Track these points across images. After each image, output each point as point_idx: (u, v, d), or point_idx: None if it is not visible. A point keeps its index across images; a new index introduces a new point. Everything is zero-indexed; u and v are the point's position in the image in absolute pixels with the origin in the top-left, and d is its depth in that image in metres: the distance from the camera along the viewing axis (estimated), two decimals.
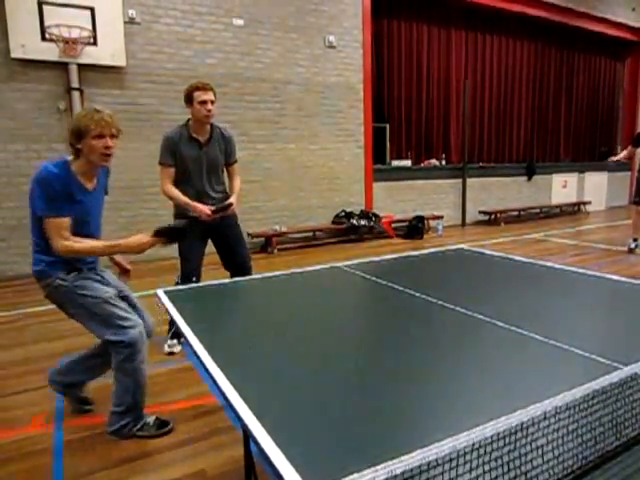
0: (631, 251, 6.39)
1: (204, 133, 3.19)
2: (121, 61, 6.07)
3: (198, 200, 3.16)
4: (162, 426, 2.35)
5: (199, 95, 3.05)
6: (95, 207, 2.33)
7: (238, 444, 2.12)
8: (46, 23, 5.52)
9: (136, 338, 2.24)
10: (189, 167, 3.18)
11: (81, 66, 5.85)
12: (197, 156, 3.18)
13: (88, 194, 2.25)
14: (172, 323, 3.22)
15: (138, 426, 2.31)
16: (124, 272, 2.61)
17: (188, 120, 3.19)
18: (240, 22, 6.97)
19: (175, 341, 3.38)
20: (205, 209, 3.11)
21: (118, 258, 2.59)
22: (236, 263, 3.35)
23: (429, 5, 9.19)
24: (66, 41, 5.60)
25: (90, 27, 5.77)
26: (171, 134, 3.15)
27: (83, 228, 2.24)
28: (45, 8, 5.52)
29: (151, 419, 2.36)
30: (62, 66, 5.78)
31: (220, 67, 6.88)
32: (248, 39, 7.07)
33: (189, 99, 3.09)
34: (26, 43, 5.49)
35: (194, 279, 3.10)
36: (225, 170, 3.39)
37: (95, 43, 5.85)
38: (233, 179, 3.41)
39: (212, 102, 3.08)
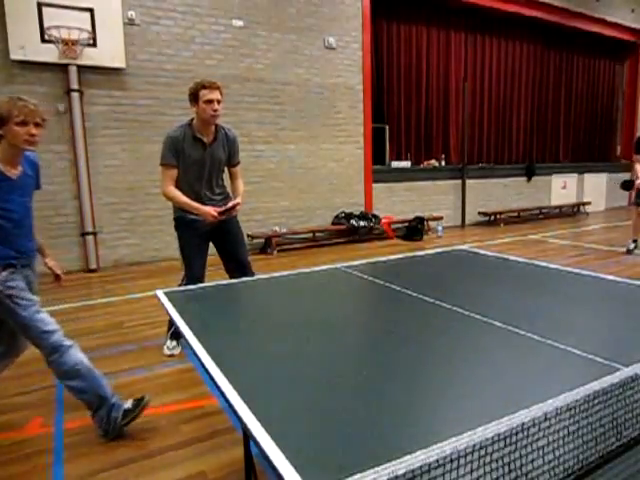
0: (630, 252, 6.40)
1: (209, 133, 3.07)
2: (121, 62, 6.07)
3: (197, 202, 3.07)
4: (139, 403, 2.36)
5: (205, 94, 2.91)
6: (19, 195, 2.25)
7: (238, 446, 2.12)
8: (45, 25, 5.52)
9: (58, 342, 2.24)
10: (191, 168, 3.06)
11: (81, 67, 5.85)
12: (201, 157, 3.06)
13: (9, 181, 2.19)
14: (172, 324, 3.15)
15: (120, 416, 2.31)
16: (56, 279, 2.59)
17: (192, 120, 3.07)
18: (240, 23, 6.98)
19: (175, 342, 3.36)
20: (211, 211, 3.00)
21: (51, 263, 2.54)
22: (237, 263, 3.25)
23: (428, 7, 9.20)
24: (66, 42, 5.60)
25: (90, 28, 5.77)
26: (174, 133, 3.02)
27: (5, 216, 2.18)
28: (44, 10, 5.52)
29: (129, 403, 2.36)
30: (62, 68, 5.78)
31: (220, 68, 6.88)
32: (248, 40, 7.07)
33: (194, 98, 2.96)
34: (25, 45, 5.49)
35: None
36: (228, 172, 3.30)
37: (95, 44, 5.85)
38: (236, 181, 3.32)
39: (219, 101, 2.95)
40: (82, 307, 4.59)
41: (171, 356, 3.30)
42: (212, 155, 3.10)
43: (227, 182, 3.36)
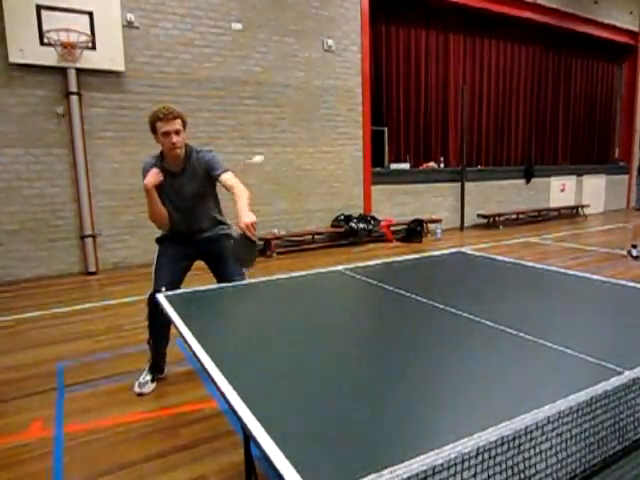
0: (637, 259, 6.36)
1: (177, 163, 2.79)
2: (120, 65, 6.08)
3: (187, 236, 2.89)
4: None
5: (161, 126, 2.64)
6: None
7: (239, 449, 2.11)
8: (44, 28, 5.53)
9: None
10: (167, 200, 2.84)
11: (80, 70, 5.86)
12: (171, 188, 2.82)
13: None
14: (155, 351, 2.93)
15: None
16: None
17: (162, 149, 2.82)
18: (239, 26, 6.99)
19: (149, 377, 2.90)
20: (151, 176, 2.70)
21: None
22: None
23: (427, 9, 9.23)
24: (64, 45, 5.60)
25: (89, 31, 5.77)
26: (146, 165, 2.81)
27: None
28: (43, 13, 5.52)
29: None
30: (61, 71, 5.79)
31: (219, 71, 6.89)
32: (247, 43, 7.09)
33: (153, 129, 2.71)
34: (24, 48, 5.49)
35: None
36: (225, 188, 2.84)
37: (94, 47, 5.86)
38: (233, 189, 2.72)
39: (177, 132, 2.66)
40: (82, 310, 4.58)
41: (140, 395, 2.83)
42: (183, 185, 2.83)
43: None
